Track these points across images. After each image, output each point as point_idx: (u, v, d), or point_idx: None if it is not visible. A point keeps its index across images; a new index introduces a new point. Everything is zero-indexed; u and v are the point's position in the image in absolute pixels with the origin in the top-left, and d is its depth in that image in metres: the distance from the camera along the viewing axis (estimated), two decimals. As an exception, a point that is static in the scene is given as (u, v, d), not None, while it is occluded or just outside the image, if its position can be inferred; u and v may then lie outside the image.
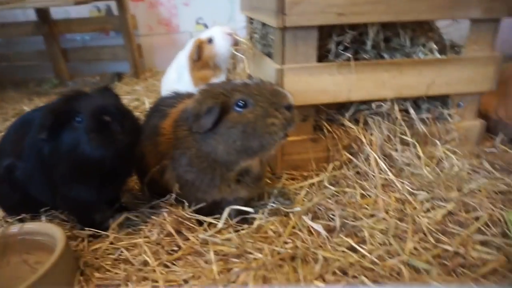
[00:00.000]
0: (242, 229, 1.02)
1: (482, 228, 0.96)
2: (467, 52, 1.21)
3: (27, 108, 2.26)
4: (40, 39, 2.79)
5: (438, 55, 1.19)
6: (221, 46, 1.65)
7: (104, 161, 0.87)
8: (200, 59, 1.69)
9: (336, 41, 1.16)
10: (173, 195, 1.03)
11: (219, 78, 1.71)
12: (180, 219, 1.04)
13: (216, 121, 0.88)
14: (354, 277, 0.83)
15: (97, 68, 3.03)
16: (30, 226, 0.97)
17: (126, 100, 2.23)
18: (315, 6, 1.05)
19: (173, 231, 1.00)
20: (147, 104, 2.02)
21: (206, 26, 2.93)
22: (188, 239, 0.99)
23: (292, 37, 1.09)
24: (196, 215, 1.04)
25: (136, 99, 2.25)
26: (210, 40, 1.66)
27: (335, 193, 1.14)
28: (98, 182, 0.93)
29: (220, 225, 1.00)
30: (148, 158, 1.08)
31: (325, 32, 1.17)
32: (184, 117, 0.97)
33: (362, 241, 0.95)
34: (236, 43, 1.62)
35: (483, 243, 0.92)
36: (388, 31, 1.20)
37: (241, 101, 0.87)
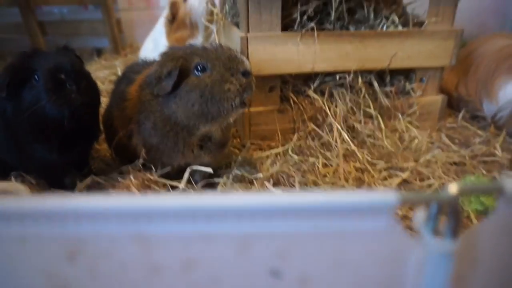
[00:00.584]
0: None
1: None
2: (428, 25, 1.23)
3: (1, 81, 2.22)
4: (16, 10, 2.72)
5: (400, 27, 1.22)
6: (196, 1, 1.64)
7: (61, 119, 0.88)
8: (175, 18, 1.68)
9: (301, 11, 1.17)
10: (141, 160, 1.05)
11: (196, 39, 1.71)
12: (146, 182, 1.06)
13: (176, 84, 0.89)
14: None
15: (75, 42, 2.97)
16: (-2, 184, 0.98)
17: (103, 74, 2.21)
18: (278, -26, 1.06)
19: (138, 194, 1.02)
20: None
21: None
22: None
23: (256, 5, 1.10)
24: (163, 179, 1.06)
25: (114, 73, 2.24)
26: None
27: (299, 161, 1.17)
28: (59, 142, 0.94)
29: (181, 186, 1.02)
30: (116, 123, 1.10)
31: (291, 2, 1.18)
32: (147, 81, 0.98)
33: (319, 206, 0.99)
34: (213, 4, 1.62)
35: (432, 208, 0.96)
36: (352, 2, 1.21)
37: (199, 65, 0.88)
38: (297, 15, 1.17)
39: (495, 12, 2.98)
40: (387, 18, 1.23)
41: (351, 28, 1.24)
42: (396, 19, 1.21)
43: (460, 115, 1.43)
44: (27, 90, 0.88)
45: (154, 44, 1.83)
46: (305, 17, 1.18)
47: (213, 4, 1.61)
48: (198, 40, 1.69)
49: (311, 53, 1.17)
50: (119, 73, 2.19)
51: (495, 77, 1.32)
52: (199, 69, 0.88)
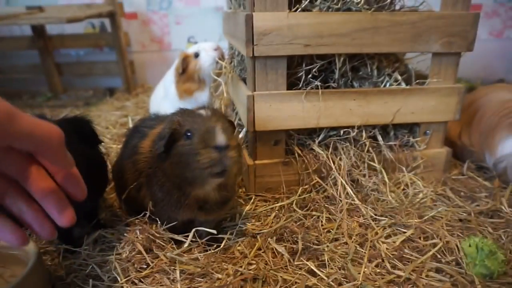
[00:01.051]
0: (210, 249, 1.05)
1: (438, 255, 1.00)
2: (430, 83, 1.26)
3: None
4: (35, 53, 2.86)
5: (403, 85, 1.25)
6: (206, 61, 1.71)
7: None
8: (185, 72, 1.75)
9: (306, 70, 1.22)
10: (147, 213, 1.07)
11: (203, 92, 1.77)
12: (151, 237, 1.08)
13: (168, 145, 0.93)
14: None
15: (90, 82, 3.10)
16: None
17: (114, 117, 2.28)
18: (282, 38, 1.11)
19: (142, 250, 1.03)
20: (130, 123, 2.06)
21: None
22: (158, 257, 1.02)
23: (262, 66, 1.15)
24: (169, 233, 1.08)
25: (125, 115, 2.30)
26: (196, 55, 1.73)
27: (302, 216, 1.17)
28: None
29: (186, 244, 1.03)
30: (127, 176, 1.14)
31: (296, 61, 1.23)
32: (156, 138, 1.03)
33: (322, 265, 0.99)
34: (222, 57, 1.69)
35: (437, 270, 0.96)
36: (355, 61, 1.25)
37: (188, 132, 0.92)
38: (302, 73, 1.21)
39: (500, 54, 3.03)
40: (390, 76, 1.26)
41: (355, 84, 1.28)
42: (399, 77, 1.25)
43: (465, 167, 1.43)
44: None
45: (164, 92, 1.90)
46: (310, 75, 1.22)
47: (222, 58, 1.68)
48: (205, 93, 1.76)
49: (315, 109, 1.21)
50: (130, 116, 2.27)
51: (496, 132, 1.33)
52: (188, 135, 0.91)
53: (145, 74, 3.09)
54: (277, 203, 1.25)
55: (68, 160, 0.48)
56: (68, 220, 0.52)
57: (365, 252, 1.01)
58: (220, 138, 0.88)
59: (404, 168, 1.32)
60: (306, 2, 1.14)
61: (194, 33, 2.98)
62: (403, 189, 1.29)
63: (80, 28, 2.96)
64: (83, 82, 3.11)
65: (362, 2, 1.14)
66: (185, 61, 1.74)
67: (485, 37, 3.01)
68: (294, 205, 1.22)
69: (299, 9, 1.14)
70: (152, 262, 1.00)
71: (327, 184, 1.26)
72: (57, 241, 1.09)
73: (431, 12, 1.19)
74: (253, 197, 1.29)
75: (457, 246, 1.02)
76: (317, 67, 1.21)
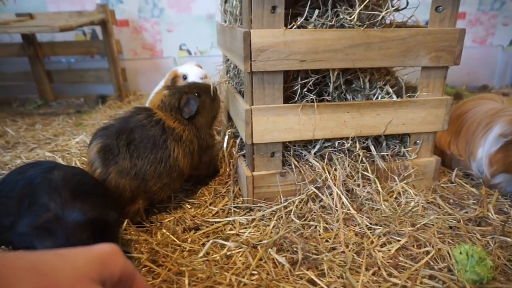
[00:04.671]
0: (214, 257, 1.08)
1: (431, 262, 1.05)
2: (419, 95, 1.32)
3: (9, 130, 2.29)
4: (25, 60, 2.83)
5: (394, 97, 1.30)
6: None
7: None
8: None
9: (301, 84, 1.26)
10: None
11: None
12: (156, 247, 1.11)
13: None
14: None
15: (81, 90, 3.09)
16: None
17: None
18: (279, 54, 1.15)
19: (148, 263, 1.06)
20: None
21: (189, 52, 3.03)
22: (166, 267, 1.04)
23: (259, 80, 1.19)
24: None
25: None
26: (184, 77, 1.80)
27: (300, 226, 1.21)
28: None
29: (201, 253, 1.06)
30: (185, 158, 1.39)
31: (292, 75, 1.27)
32: None
33: (322, 274, 1.03)
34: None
35: (431, 277, 1.01)
36: (349, 75, 1.30)
37: (196, 93, 1.43)
38: (298, 87, 1.25)
39: (483, 61, 3.14)
40: (381, 89, 1.31)
41: (348, 97, 1.33)
42: (390, 90, 1.30)
43: (454, 174, 1.50)
44: None
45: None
46: (305, 89, 1.26)
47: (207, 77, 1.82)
48: None
49: (311, 122, 1.25)
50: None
51: (475, 136, 1.41)
52: (198, 94, 1.41)
53: (137, 81, 3.09)
54: (275, 213, 1.29)
55: None
56: None
57: (362, 261, 1.05)
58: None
59: (396, 178, 1.37)
60: (302, 19, 1.17)
61: (186, 41, 3.00)
62: (396, 198, 1.34)
63: (71, 36, 2.95)
64: (73, 89, 3.10)
65: (355, 19, 1.19)
66: (174, 80, 1.82)
67: (469, 44, 3.12)
68: (292, 215, 1.26)
69: (295, 26, 1.17)
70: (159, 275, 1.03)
71: (323, 194, 1.30)
72: None
73: (420, 29, 1.24)
74: (251, 208, 1.32)
75: (448, 253, 1.07)
76: (312, 81, 1.25)
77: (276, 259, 1.07)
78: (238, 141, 1.55)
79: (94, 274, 0.40)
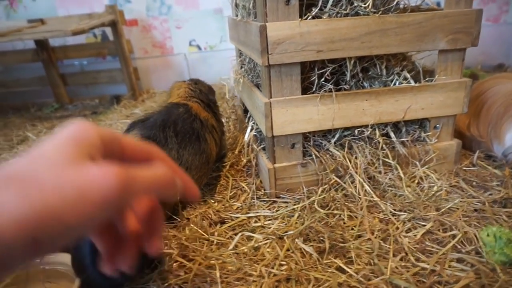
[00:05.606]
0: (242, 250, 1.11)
1: (458, 245, 1.06)
2: (438, 79, 1.31)
3: (30, 135, 2.34)
4: (39, 65, 2.88)
5: (412, 83, 1.29)
6: None
7: None
8: None
9: (318, 74, 1.26)
10: None
11: None
12: (185, 243, 1.13)
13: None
14: (341, 297, 0.92)
15: (95, 91, 3.13)
16: (51, 256, 1.05)
17: (125, 125, 2.32)
18: (295, 45, 1.15)
19: (179, 258, 1.08)
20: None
21: (199, 47, 3.04)
22: (196, 261, 1.07)
23: (277, 73, 1.19)
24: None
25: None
26: None
27: (325, 215, 1.23)
28: None
29: (231, 246, 1.08)
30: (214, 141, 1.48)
31: (308, 65, 1.27)
32: None
33: (350, 262, 1.04)
34: None
35: (459, 260, 1.01)
36: (365, 62, 1.30)
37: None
38: (315, 77, 1.26)
39: (498, 39, 3.07)
40: (399, 75, 1.31)
41: (365, 84, 1.32)
42: (408, 75, 1.29)
43: (475, 156, 1.49)
44: None
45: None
46: (322, 79, 1.26)
47: None
48: None
49: (330, 112, 1.25)
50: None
51: (504, 121, 1.38)
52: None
53: (150, 79, 3.12)
54: (298, 203, 1.30)
55: (177, 184, 0.45)
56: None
57: (389, 247, 1.06)
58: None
59: (417, 163, 1.37)
60: (316, 10, 1.17)
61: (195, 36, 3.01)
62: (418, 183, 1.34)
63: (82, 38, 2.98)
64: (88, 91, 3.14)
65: (370, 6, 1.18)
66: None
67: (482, 23, 3.05)
68: (315, 204, 1.27)
69: (310, 17, 1.17)
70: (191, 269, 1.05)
71: (345, 183, 1.31)
72: None
73: (435, 12, 1.23)
74: (274, 199, 1.34)
75: (475, 236, 1.07)
76: (329, 70, 1.25)
77: (304, 249, 1.09)
78: (256, 133, 1.57)
79: (72, 154, 0.35)
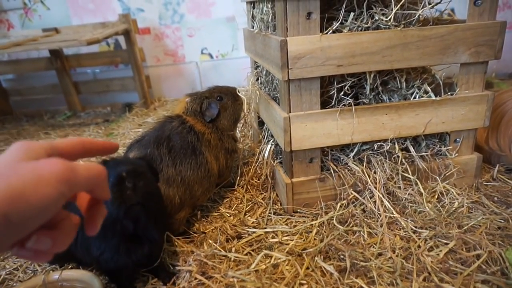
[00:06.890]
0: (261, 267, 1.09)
1: (483, 266, 1.03)
2: (459, 92, 1.29)
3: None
4: (52, 73, 2.91)
5: (433, 96, 1.27)
6: None
7: (119, 216, 0.91)
8: None
9: (338, 88, 1.25)
10: None
11: None
12: (204, 259, 1.12)
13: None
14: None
15: (107, 99, 3.15)
16: (69, 273, 1.05)
17: (138, 134, 2.32)
18: (316, 60, 1.14)
19: (199, 276, 1.07)
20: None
21: (211, 55, 3.04)
22: (216, 279, 1.05)
23: (296, 88, 1.18)
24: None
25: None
26: None
27: (344, 232, 1.21)
28: (118, 243, 0.98)
29: (253, 265, 1.07)
30: (218, 160, 1.40)
31: (328, 79, 1.26)
32: None
33: (372, 282, 1.02)
34: None
35: (484, 282, 0.98)
36: (385, 75, 1.28)
37: (218, 96, 1.44)
38: (334, 92, 1.24)
39: (512, 47, 3.03)
40: (419, 88, 1.29)
41: (385, 98, 1.30)
42: (428, 89, 1.27)
43: (495, 170, 1.46)
44: None
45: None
46: (341, 93, 1.25)
47: None
48: None
49: (349, 126, 1.24)
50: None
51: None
52: (219, 98, 1.43)
53: (161, 87, 3.13)
54: (316, 219, 1.28)
55: (108, 191, 0.54)
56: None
57: (411, 267, 1.04)
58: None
59: (437, 177, 1.34)
60: (337, 24, 1.16)
61: (207, 45, 3.02)
62: (438, 199, 1.32)
63: (95, 47, 3.00)
64: (100, 99, 3.16)
65: (391, 19, 1.17)
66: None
67: (497, 30, 3.01)
68: (334, 220, 1.25)
69: (330, 31, 1.16)
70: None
71: (364, 198, 1.29)
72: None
73: (458, 25, 1.21)
74: (291, 214, 1.32)
75: (500, 255, 1.04)
76: (349, 84, 1.24)
77: (324, 267, 1.07)
78: (274, 148, 1.55)
79: (22, 157, 0.44)
